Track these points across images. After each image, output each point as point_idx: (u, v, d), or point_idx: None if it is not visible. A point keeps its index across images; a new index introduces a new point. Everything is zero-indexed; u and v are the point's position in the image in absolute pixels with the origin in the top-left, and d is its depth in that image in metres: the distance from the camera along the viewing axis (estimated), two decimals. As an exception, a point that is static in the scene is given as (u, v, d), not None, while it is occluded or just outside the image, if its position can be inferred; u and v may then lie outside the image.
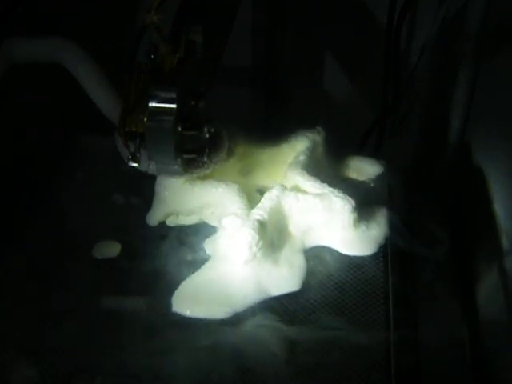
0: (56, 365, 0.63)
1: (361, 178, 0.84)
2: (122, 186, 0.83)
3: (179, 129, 0.67)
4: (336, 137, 1.20)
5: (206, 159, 0.73)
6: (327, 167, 0.83)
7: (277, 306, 0.69)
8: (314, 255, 0.75)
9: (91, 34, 0.92)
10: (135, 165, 0.70)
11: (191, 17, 0.69)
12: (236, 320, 0.68)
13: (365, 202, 0.78)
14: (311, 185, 0.77)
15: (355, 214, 0.75)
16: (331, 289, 0.71)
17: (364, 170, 0.85)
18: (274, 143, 0.83)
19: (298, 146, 0.82)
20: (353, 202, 0.75)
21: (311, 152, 0.81)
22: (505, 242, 0.82)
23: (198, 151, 0.72)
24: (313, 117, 1.23)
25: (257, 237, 0.70)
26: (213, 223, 0.77)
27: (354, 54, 1.16)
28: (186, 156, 0.71)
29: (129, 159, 0.69)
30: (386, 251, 0.76)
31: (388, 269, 0.74)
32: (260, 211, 0.73)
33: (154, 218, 0.78)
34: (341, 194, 0.75)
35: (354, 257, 0.75)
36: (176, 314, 0.68)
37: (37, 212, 0.81)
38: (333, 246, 0.76)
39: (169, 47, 0.66)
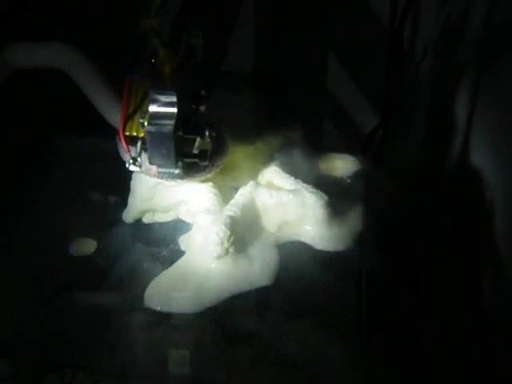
0: (28, 361, 0.64)
1: (338, 175, 0.84)
2: (98, 185, 0.83)
3: (180, 133, 0.67)
4: (338, 138, 1.20)
5: (207, 163, 0.73)
6: (304, 164, 0.83)
7: (248, 301, 0.69)
8: (288, 250, 0.75)
9: (93, 38, 0.93)
10: (137, 169, 0.71)
11: (191, 20, 0.69)
12: (207, 313, 0.68)
13: (340, 197, 0.79)
14: (285, 181, 0.78)
15: (329, 210, 0.75)
16: (304, 283, 0.71)
17: (341, 166, 0.85)
18: (249, 141, 0.84)
19: (274, 144, 0.82)
20: (326, 197, 0.75)
21: (287, 150, 0.82)
22: (506, 245, 0.82)
23: (199, 155, 0.72)
24: (315, 119, 1.24)
25: (228, 232, 0.70)
26: (188, 220, 0.77)
27: (355, 56, 1.17)
28: (187, 160, 0.71)
29: (130, 164, 0.70)
30: (360, 247, 0.76)
31: (361, 264, 0.74)
32: (233, 207, 0.73)
33: (129, 215, 0.78)
34: (314, 190, 0.76)
35: (328, 252, 0.75)
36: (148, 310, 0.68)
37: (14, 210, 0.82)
38: (306, 241, 0.76)
39: (168, 51, 0.66)
